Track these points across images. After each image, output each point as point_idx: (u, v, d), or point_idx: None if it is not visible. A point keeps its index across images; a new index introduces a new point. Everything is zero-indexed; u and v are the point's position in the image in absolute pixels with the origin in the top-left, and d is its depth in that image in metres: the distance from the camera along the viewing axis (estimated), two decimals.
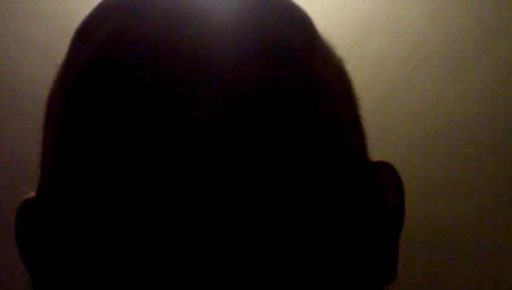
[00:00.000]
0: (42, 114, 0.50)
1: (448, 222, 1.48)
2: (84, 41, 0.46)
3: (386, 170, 0.51)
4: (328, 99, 0.45)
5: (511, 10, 1.50)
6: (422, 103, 1.51)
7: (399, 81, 1.51)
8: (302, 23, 0.49)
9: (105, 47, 0.44)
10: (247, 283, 0.40)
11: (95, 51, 0.44)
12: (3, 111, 1.37)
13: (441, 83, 1.52)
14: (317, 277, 0.42)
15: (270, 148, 0.42)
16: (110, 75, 0.43)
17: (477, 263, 1.48)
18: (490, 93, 1.51)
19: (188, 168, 0.40)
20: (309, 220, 0.41)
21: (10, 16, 1.47)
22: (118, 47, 0.44)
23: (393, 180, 0.51)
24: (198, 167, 0.40)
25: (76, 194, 0.42)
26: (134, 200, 0.41)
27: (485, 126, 1.50)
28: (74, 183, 0.43)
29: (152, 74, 0.42)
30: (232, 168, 0.40)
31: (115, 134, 0.42)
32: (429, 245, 1.47)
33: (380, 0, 1.51)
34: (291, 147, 0.42)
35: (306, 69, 0.44)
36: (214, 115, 0.41)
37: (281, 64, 0.44)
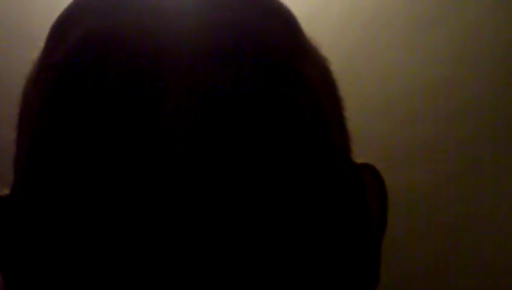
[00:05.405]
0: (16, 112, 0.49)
1: (414, 187, 1.50)
2: (61, 40, 0.46)
3: (370, 172, 0.51)
4: (311, 98, 0.44)
5: None
6: (386, 68, 1.51)
7: (361, 46, 1.51)
8: (286, 21, 0.48)
9: (83, 46, 0.44)
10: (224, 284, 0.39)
11: (72, 50, 0.44)
12: None
13: (404, 48, 1.52)
14: (299, 282, 0.41)
15: (252, 148, 0.41)
16: (88, 75, 0.42)
17: (443, 228, 1.50)
18: (454, 58, 1.51)
19: (167, 167, 0.39)
20: (290, 222, 0.41)
21: None
22: (95, 46, 0.43)
23: (376, 183, 0.51)
24: (178, 166, 0.39)
25: (53, 194, 0.42)
26: (115, 201, 0.40)
27: (450, 91, 1.51)
28: (51, 183, 0.42)
29: (130, 74, 0.42)
30: (215, 167, 0.40)
31: (94, 135, 0.41)
32: (394, 212, 1.48)
33: None
34: (273, 146, 0.42)
35: (289, 68, 0.44)
36: (195, 115, 0.41)
37: (264, 62, 0.43)
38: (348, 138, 0.50)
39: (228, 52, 0.43)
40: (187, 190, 0.39)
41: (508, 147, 1.51)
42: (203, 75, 0.42)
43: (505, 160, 1.50)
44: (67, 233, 0.41)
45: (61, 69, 0.44)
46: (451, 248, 1.50)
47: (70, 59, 0.43)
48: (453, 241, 1.50)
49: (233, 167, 0.40)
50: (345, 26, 1.51)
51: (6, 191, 0.50)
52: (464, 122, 1.51)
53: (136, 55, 0.42)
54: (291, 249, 0.41)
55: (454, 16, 1.51)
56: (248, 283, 0.40)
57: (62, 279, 0.41)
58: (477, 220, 1.50)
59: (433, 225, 1.50)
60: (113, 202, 0.40)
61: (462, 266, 1.49)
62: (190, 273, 0.39)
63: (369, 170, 0.51)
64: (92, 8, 0.46)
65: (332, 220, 0.43)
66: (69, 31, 0.45)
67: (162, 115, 0.41)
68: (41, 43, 0.48)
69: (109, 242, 0.40)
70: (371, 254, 0.49)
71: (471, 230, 1.50)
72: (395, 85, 1.51)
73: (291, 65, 0.44)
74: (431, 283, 1.49)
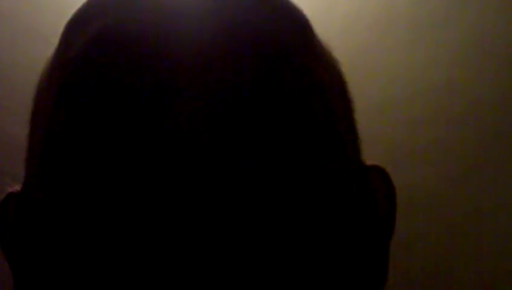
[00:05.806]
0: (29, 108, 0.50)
1: (417, 188, 1.49)
2: (74, 38, 0.46)
3: (379, 174, 0.51)
4: (323, 100, 0.44)
5: None
6: (390, 70, 1.51)
7: (365, 48, 1.51)
8: (298, 22, 0.48)
9: (96, 44, 0.44)
10: (236, 282, 0.39)
11: (86, 48, 0.44)
12: None
13: (409, 49, 1.52)
14: (307, 281, 0.41)
15: (264, 147, 0.41)
16: (101, 74, 0.43)
17: (445, 229, 1.50)
18: (458, 60, 1.51)
19: (179, 166, 0.40)
20: (300, 222, 0.41)
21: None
22: (108, 45, 0.44)
23: (386, 186, 0.51)
24: (190, 164, 0.40)
25: (66, 191, 0.42)
26: (125, 199, 0.40)
27: (453, 92, 1.51)
28: (64, 179, 0.42)
29: (142, 73, 0.42)
30: (226, 167, 0.40)
31: (107, 132, 0.42)
32: (398, 214, 1.48)
33: None
34: (284, 146, 0.42)
35: (301, 68, 0.44)
36: (206, 114, 0.41)
37: (276, 63, 0.43)
38: (358, 139, 0.50)
39: (240, 52, 0.43)
40: (196, 189, 0.39)
41: (510, 148, 1.51)
42: (215, 75, 0.42)
43: (508, 162, 1.51)
44: (79, 230, 0.41)
45: (74, 68, 0.44)
46: (453, 248, 1.50)
47: (83, 58, 0.44)
48: (455, 242, 1.50)
49: (242, 166, 0.41)
50: (350, 28, 1.51)
51: (17, 187, 0.50)
52: (468, 124, 1.51)
53: (146, 55, 0.43)
54: (300, 249, 0.41)
55: (458, 17, 1.51)
56: (256, 282, 0.40)
57: (72, 275, 0.41)
58: (480, 222, 1.50)
59: (435, 226, 1.50)
60: (124, 199, 0.40)
61: (464, 266, 1.49)
62: (195, 271, 0.39)
63: (378, 171, 0.51)
64: (105, 7, 0.46)
65: (341, 220, 0.43)
66: (81, 30, 0.46)
67: (171, 114, 0.41)
68: (53, 40, 0.49)
69: (119, 239, 0.40)
70: (379, 254, 0.49)
71: (473, 231, 1.50)
72: (399, 87, 1.52)
73: (304, 66, 0.44)
74: (433, 284, 1.49)
